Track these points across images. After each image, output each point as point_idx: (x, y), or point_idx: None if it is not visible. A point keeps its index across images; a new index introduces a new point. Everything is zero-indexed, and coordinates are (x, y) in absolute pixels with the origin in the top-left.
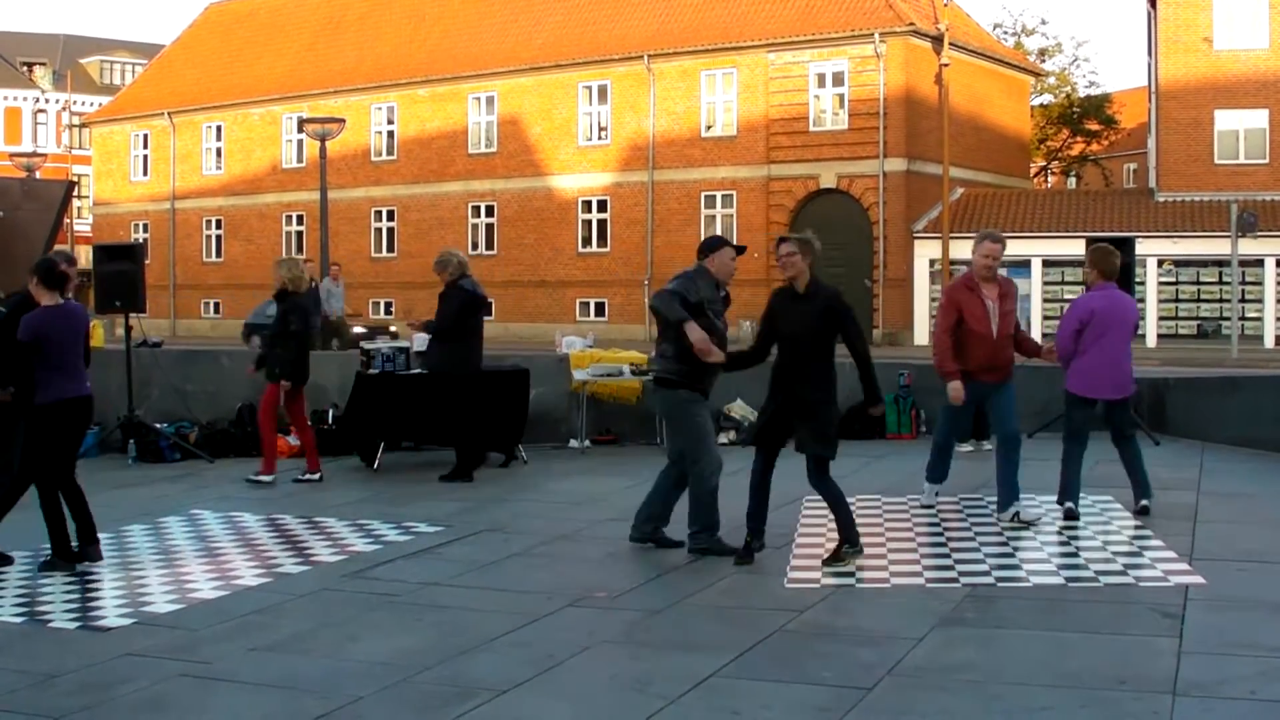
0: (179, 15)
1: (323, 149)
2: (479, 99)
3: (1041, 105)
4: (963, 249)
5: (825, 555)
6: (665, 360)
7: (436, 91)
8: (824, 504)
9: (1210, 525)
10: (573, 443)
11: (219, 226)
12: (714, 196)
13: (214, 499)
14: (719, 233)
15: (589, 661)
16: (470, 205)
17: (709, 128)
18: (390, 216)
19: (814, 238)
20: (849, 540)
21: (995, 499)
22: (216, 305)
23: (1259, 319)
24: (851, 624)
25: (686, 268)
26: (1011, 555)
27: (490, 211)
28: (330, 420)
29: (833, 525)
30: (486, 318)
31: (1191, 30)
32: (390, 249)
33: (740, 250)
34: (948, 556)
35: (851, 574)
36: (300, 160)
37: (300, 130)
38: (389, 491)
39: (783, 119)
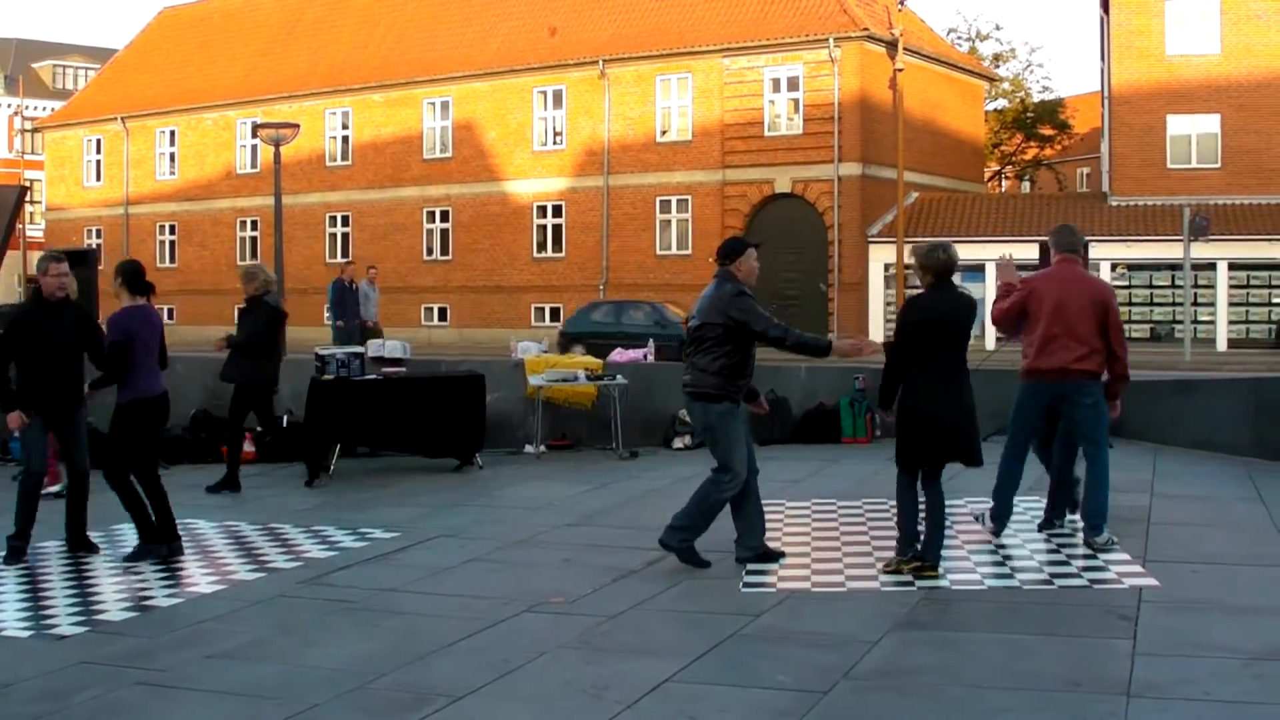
0: (132, 19)
1: (277, 154)
2: (434, 104)
3: (996, 110)
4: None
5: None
6: (703, 374)
7: (391, 96)
8: (777, 510)
9: (1164, 528)
10: (528, 448)
11: (173, 232)
12: (669, 201)
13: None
14: (674, 237)
15: (546, 667)
16: (425, 210)
17: (664, 133)
18: (345, 222)
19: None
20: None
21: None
22: (170, 311)
23: (1211, 322)
24: (808, 628)
25: (719, 283)
26: (967, 559)
27: (445, 217)
28: (285, 426)
29: (786, 531)
30: (442, 322)
31: (1144, 36)
32: (345, 255)
33: (758, 246)
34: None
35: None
36: (254, 165)
37: (254, 135)
38: (345, 498)
39: (738, 124)
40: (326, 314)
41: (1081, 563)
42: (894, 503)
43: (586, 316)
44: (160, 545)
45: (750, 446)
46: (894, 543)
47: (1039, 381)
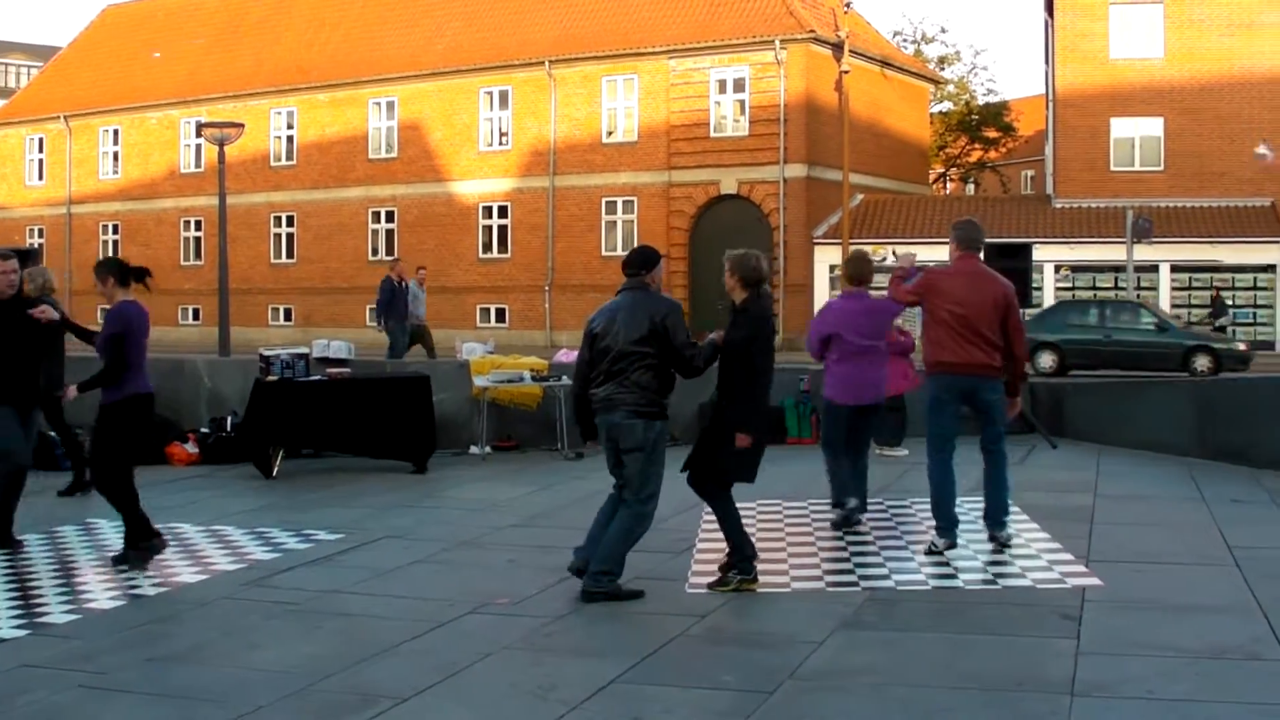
0: (76, 17)
1: (221, 154)
2: (379, 104)
3: (941, 113)
4: None
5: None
6: (645, 391)
7: (336, 96)
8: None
9: (1107, 528)
10: (474, 449)
11: (116, 231)
12: (615, 202)
13: (110, 508)
14: (620, 238)
15: (491, 668)
16: (370, 211)
17: (610, 134)
18: (290, 222)
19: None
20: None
21: (897, 504)
22: None
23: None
24: (753, 628)
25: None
26: (911, 559)
27: (391, 217)
28: (229, 428)
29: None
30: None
31: (1088, 40)
32: (290, 255)
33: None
34: (847, 560)
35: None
36: (199, 165)
37: (199, 135)
38: (289, 499)
39: (684, 125)
40: (371, 315)
41: (1025, 563)
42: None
43: (1061, 321)
44: (145, 548)
45: None
46: (836, 543)
47: (952, 374)
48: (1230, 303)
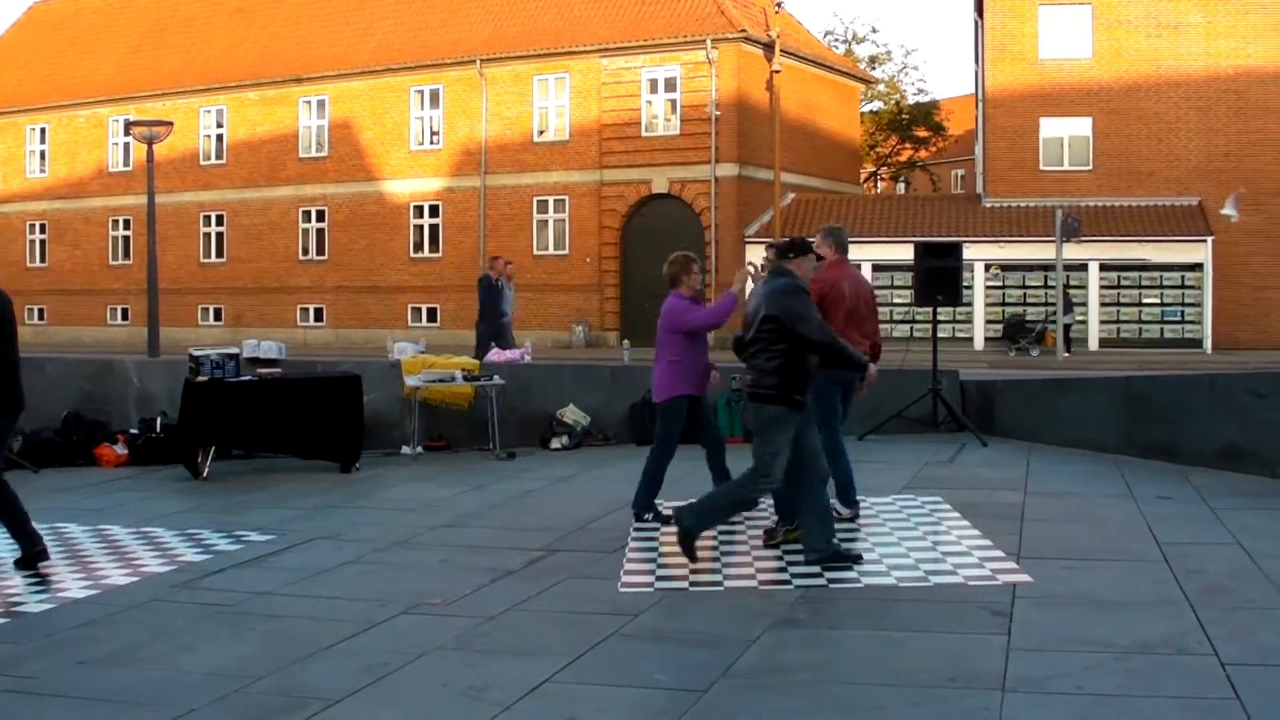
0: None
1: (150, 152)
2: (310, 102)
3: (871, 112)
4: None
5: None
6: (764, 375)
7: (266, 94)
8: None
9: (1037, 524)
10: (405, 449)
11: (43, 231)
12: (546, 201)
13: (39, 510)
14: (551, 237)
15: (423, 669)
16: (301, 210)
17: (541, 133)
18: (219, 221)
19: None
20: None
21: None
22: (40, 311)
23: (1084, 322)
24: (686, 627)
25: (780, 279)
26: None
27: (321, 216)
28: (159, 428)
29: (664, 531)
30: (318, 323)
31: (1017, 40)
32: (219, 254)
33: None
34: (780, 558)
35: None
36: (127, 164)
37: (127, 133)
38: (219, 500)
39: (615, 124)
40: (302, 315)
41: (956, 560)
42: (770, 503)
43: None
44: (36, 551)
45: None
46: (770, 544)
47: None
48: (1079, 300)
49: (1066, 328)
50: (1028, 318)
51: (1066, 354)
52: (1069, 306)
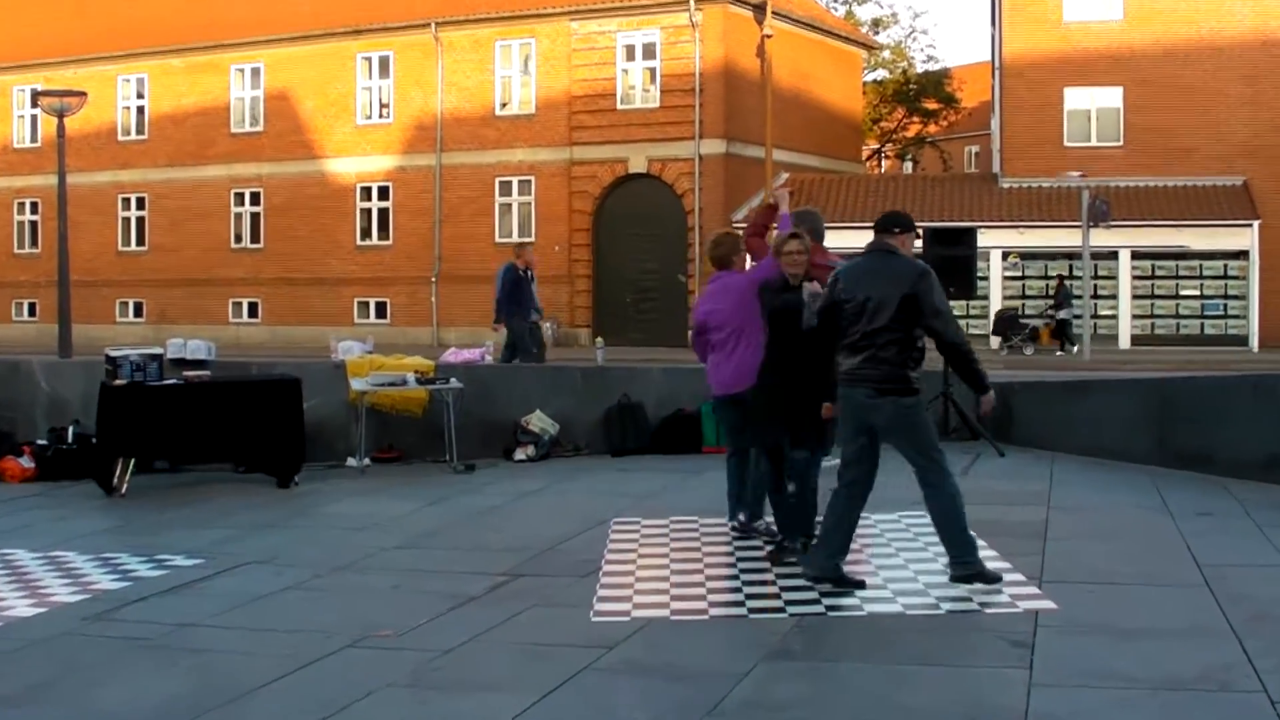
0: None
1: (60, 126)
2: (243, 71)
3: (875, 82)
4: None
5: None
6: (888, 365)
7: (194, 61)
8: (632, 529)
9: (1062, 544)
10: (351, 461)
11: None
12: (510, 182)
13: None
14: (515, 221)
15: (373, 709)
16: (233, 192)
17: (504, 105)
18: (141, 204)
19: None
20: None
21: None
22: None
23: (1113, 317)
24: (667, 660)
25: (895, 259)
26: (844, 581)
27: (256, 199)
28: (71, 439)
29: (643, 552)
30: (252, 319)
31: (1039, 1)
32: (141, 242)
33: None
34: (773, 584)
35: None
36: (34, 139)
37: (34, 104)
38: (140, 520)
39: (587, 95)
40: (234, 310)
41: (970, 585)
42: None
43: None
44: None
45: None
46: (760, 564)
47: None
48: (1077, 293)
49: (1064, 323)
50: (1023, 312)
51: (1060, 352)
52: (1066, 300)
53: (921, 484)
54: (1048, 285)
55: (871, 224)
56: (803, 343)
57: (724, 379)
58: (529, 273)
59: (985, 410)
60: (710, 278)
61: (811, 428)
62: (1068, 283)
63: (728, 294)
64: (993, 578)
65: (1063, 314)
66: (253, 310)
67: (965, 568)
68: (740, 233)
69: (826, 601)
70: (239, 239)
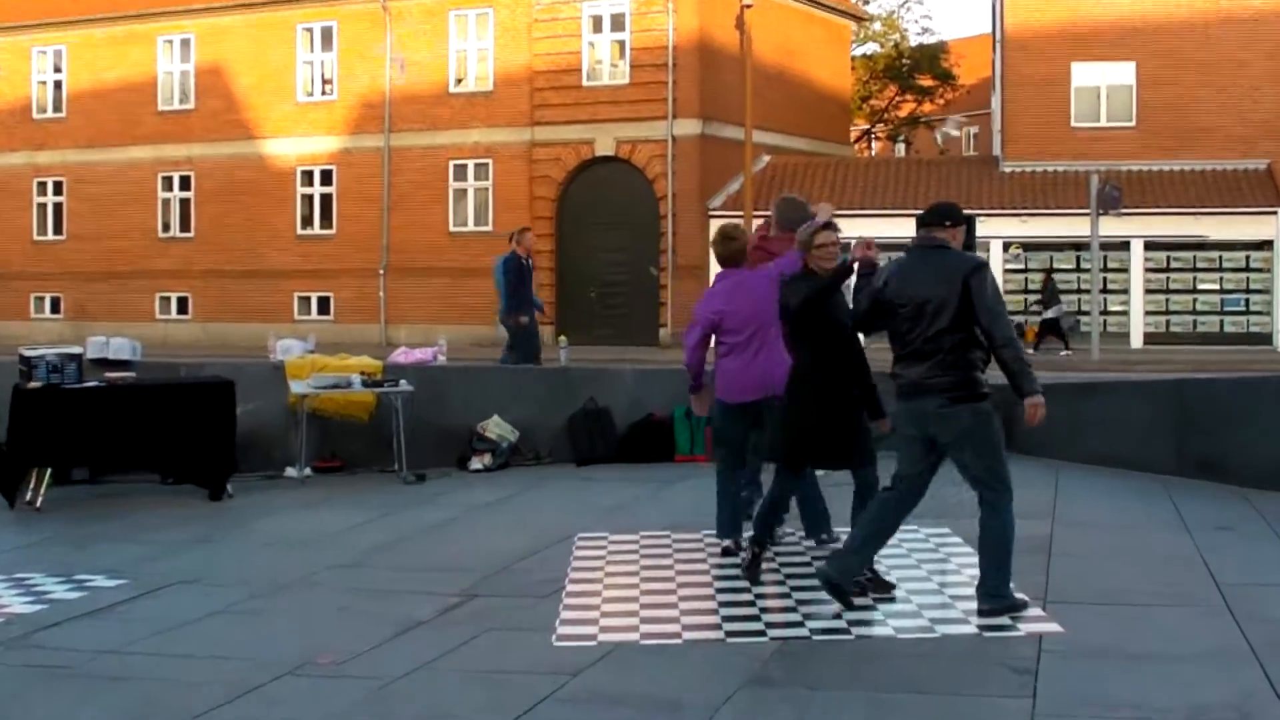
0: None
1: None
2: (171, 42)
3: (865, 56)
4: None
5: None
6: (959, 370)
7: (116, 33)
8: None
9: (1068, 560)
10: (290, 471)
11: None
12: (465, 166)
13: None
14: (471, 209)
15: None
16: (161, 176)
17: (459, 81)
18: (58, 190)
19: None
20: None
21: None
22: None
23: (1124, 313)
24: (638, 688)
25: (946, 252)
26: (829, 600)
27: (186, 184)
28: None
29: (610, 571)
30: (182, 315)
31: None
32: (58, 230)
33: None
34: (752, 605)
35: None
36: None
37: None
38: (57, 536)
39: (550, 71)
40: (162, 305)
41: (968, 605)
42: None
43: None
44: None
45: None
46: (738, 583)
47: None
48: (1061, 286)
49: (1054, 322)
50: (1026, 308)
51: (1065, 352)
52: (1054, 297)
53: (981, 502)
54: (1027, 279)
55: (861, 211)
56: (838, 342)
57: (748, 384)
58: (529, 262)
59: (1029, 417)
60: (719, 275)
61: (864, 443)
62: (1055, 277)
63: (744, 293)
64: (1021, 605)
65: (1050, 313)
66: (182, 306)
67: (997, 601)
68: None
69: (811, 624)
70: (167, 227)
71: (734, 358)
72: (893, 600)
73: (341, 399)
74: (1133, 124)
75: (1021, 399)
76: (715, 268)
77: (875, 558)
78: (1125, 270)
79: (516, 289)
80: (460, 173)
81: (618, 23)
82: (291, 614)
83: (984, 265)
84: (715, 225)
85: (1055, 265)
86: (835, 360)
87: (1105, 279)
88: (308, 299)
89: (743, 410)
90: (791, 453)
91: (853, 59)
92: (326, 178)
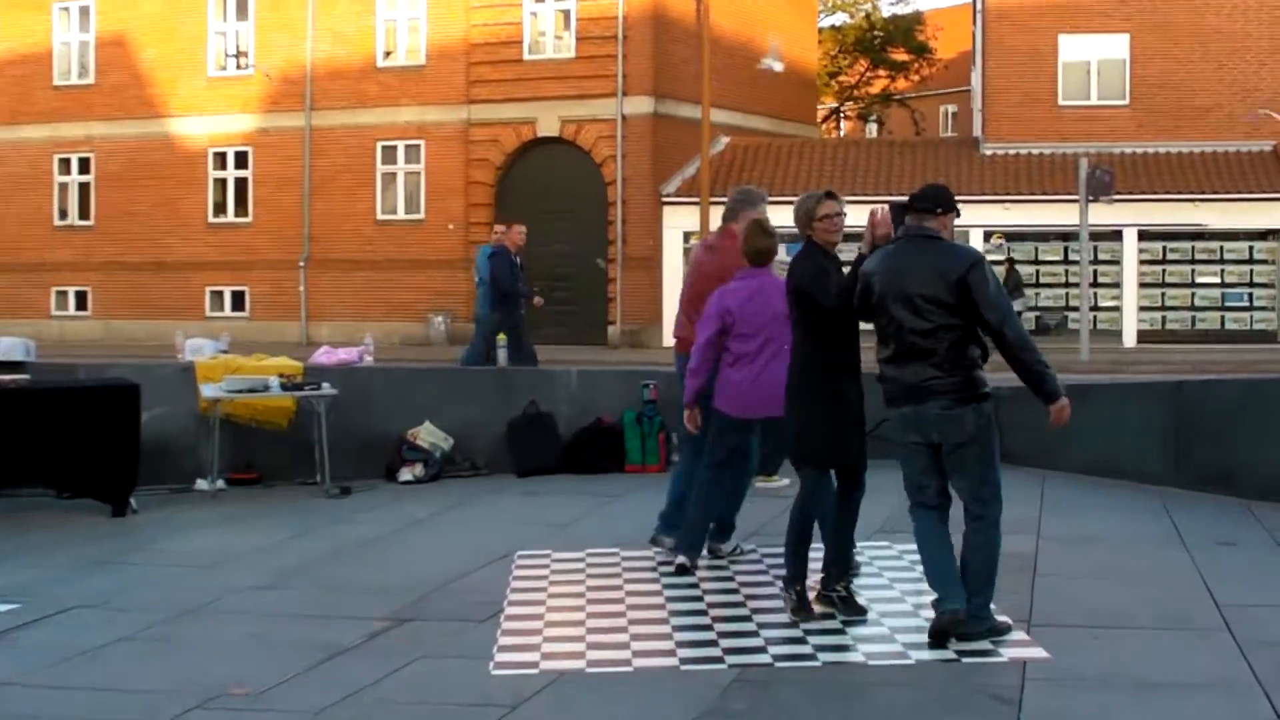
0: None
1: None
2: (68, 10)
3: (833, 28)
4: None
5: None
6: (962, 370)
7: None
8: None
9: (1054, 580)
10: (200, 483)
11: None
12: (395, 148)
13: None
14: (401, 195)
15: None
16: (57, 158)
17: (388, 54)
18: None
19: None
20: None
21: (775, 551)
22: None
23: (1116, 309)
24: None
25: (934, 241)
26: (795, 626)
27: (85, 166)
28: None
29: (553, 592)
30: (81, 312)
31: None
32: None
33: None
34: (709, 629)
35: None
36: None
37: None
38: None
39: (488, 44)
40: (57, 301)
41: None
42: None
43: None
44: None
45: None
46: (693, 604)
47: None
48: (1048, 279)
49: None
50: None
51: None
52: (1017, 290)
53: (968, 515)
54: (1038, 271)
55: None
56: (841, 329)
57: (755, 400)
58: (516, 255)
59: (1055, 421)
60: (742, 273)
61: (862, 451)
62: (1018, 266)
63: (764, 299)
64: (1004, 629)
65: (1016, 305)
66: (81, 301)
67: (980, 624)
68: None
69: (774, 650)
70: (64, 215)
71: (740, 368)
72: (864, 623)
73: (258, 404)
74: (1125, 102)
75: (1046, 405)
76: (670, 259)
77: (850, 573)
78: (1117, 262)
79: (511, 288)
80: (389, 155)
81: None
82: (202, 641)
83: (981, 259)
84: (670, 213)
85: (1040, 256)
86: (849, 348)
87: (1095, 272)
88: (220, 294)
89: (747, 423)
90: (821, 450)
91: (820, 31)
92: (241, 160)
